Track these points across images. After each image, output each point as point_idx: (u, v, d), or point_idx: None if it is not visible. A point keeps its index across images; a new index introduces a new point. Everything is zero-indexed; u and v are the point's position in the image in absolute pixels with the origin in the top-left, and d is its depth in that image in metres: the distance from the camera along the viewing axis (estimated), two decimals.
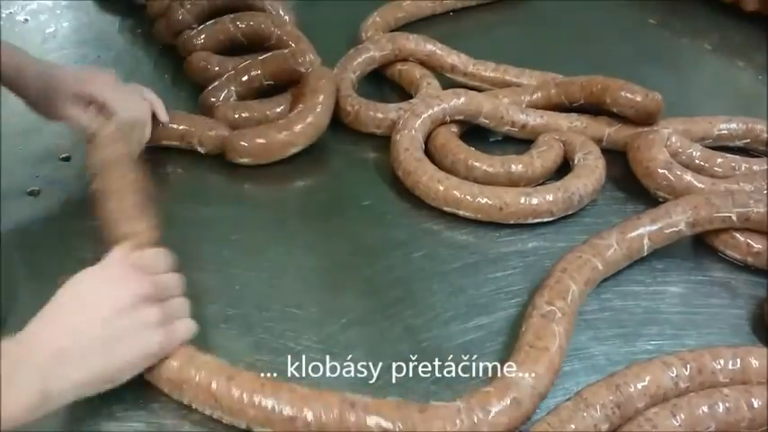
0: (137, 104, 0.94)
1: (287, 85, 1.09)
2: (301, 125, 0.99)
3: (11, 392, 0.57)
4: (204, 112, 1.06)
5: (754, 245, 0.86)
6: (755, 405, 0.66)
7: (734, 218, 0.86)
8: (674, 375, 0.68)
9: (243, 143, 0.98)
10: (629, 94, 1.01)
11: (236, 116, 1.03)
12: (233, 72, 1.09)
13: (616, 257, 0.83)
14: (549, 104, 1.09)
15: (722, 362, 0.69)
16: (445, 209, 0.93)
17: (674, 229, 0.85)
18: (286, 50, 1.13)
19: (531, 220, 0.91)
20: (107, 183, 0.73)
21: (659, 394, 0.67)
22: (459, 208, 0.92)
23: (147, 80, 1.19)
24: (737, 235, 0.87)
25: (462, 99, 1.02)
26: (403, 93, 1.16)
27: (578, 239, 0.90)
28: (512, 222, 0.91)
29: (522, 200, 0.91)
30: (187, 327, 0.69)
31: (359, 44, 1.19)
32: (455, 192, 0.91)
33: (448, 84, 1.14)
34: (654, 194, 0.95)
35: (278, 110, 1.05)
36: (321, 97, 1.01)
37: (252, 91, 1.09)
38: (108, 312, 0.64)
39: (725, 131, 1.05)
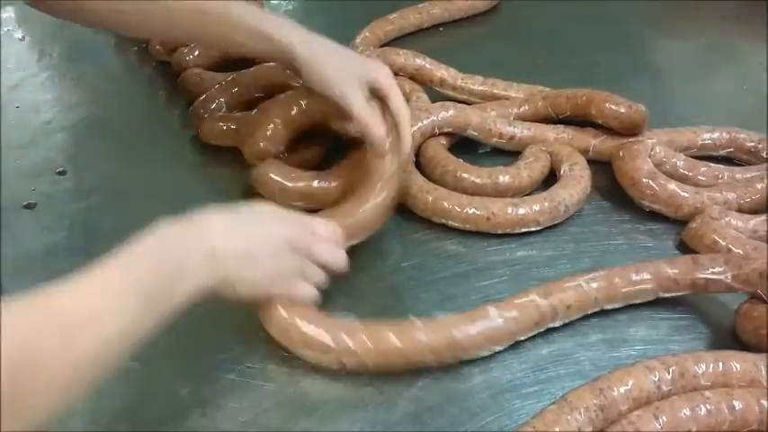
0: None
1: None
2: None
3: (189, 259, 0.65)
4: (194, 124, 1.07)
5: None
6: (736, 407, 0.67)
7: None
8: (656, 379, 0.69)
9: None
10: (613, 106, 1.03)
11: None
12: (223, 83, 1.11)
13: None
14: (537, 116, 1.11)
15: (704, 366, 0.70)
16: (434, 219, 0.94)
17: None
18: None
19: (518, 230, 0.93)
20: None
21: (642, 397, 0.68)
22: (448, 218, 0.93)
23: (141, 97, 1.22)
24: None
25: (451, 112, 1.04)
26: None
27: (565, 248, 0.92)
28: (499, 232, 0.92)
29: (510, 210, 0.92)
30: (308, 291, 0.76)
31: None
32: (444, 203, 0.93)
33: (437, 97, 1.16)
34: (639, 204, 0.97)
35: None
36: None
37: (241, 102, 1.10)
38: (275, 238, 0.73)
39: (708, 141, 1.06)
